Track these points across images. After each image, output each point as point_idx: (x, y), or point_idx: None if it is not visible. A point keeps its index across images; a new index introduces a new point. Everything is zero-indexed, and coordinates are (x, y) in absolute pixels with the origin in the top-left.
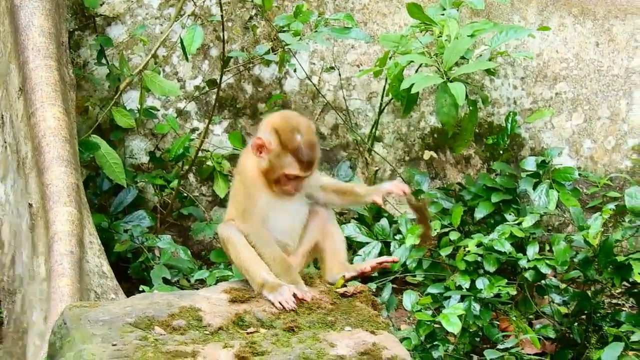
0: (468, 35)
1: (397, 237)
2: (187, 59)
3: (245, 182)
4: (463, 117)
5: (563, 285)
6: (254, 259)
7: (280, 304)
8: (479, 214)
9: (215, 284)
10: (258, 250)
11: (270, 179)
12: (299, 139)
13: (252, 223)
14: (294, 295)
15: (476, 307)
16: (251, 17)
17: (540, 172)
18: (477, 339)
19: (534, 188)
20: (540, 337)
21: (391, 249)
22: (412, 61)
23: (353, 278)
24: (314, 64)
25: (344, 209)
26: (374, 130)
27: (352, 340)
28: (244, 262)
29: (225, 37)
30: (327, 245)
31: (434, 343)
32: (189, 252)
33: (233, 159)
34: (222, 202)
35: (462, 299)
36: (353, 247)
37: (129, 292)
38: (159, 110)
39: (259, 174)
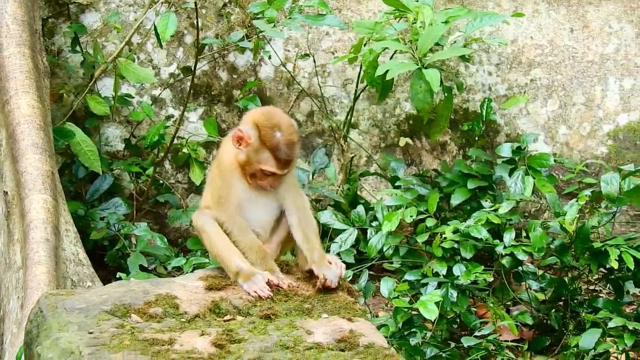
0: (442, 22)
1: (374, 223)
2: (161, 46)
3: (222, 170)
4: (438, 103)
5: (540, 272)
6: (228, 247)
7: (255, 292)
8: (455, 200)
9: (192, 271)
10: (234, 237)
11: (247, 172)
12: (278, 137)
13: (227, 210)
14: (269, 283)
15: (453, 294)
16: (225, 4)
17: (516, 158)
18: (455, 326)
19: (510, 174)
20: (518, 323)
21: (368, 235)
22: (386, 48)
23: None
24: (288, 51)
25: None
26: (349, 117)
27: (329, 327)
28: (218, 251)
29: (199, 24)
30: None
31: (412, 330)
32: (166, 240)
33: (208, 146)
34: (198, 190)
35: (439, 285)
36: (330, 234)
37: (105, 280)
38: (133, 97)
39: (236, 165)
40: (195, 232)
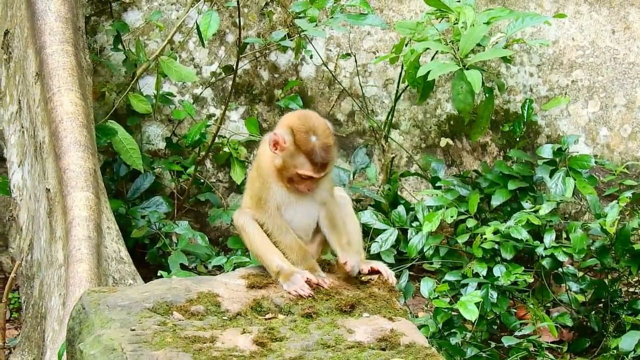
0: (484, 23)
1: (414, 224)
2: (203, 44)
3: (261, 173)
4: (479, 104)
5: (580, 273)
6: (269, 247)
7: (296, 291)
8: (496, 201)
9: (233, 270)
10: (274, 238)
11: (284, 176)
12: (313, 141)
13: (267, 212)
14: (309, 282)
15: (493, 295)
16: (267, 3)
17: (557, 159)
18: (495, 327)
19: (551, 176)
20: (558, 325)
21: (408, 236)
22: (428, 48)
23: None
24: (330, 50)
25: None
26: (390, 117)
27: (370, 326)
28: (259, 250)
29: (242, 23)
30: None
31: (452, 330)
32: (206, 239)
33: (249, 145)
34: (239, 189)
35: (480, 286)
36: (370, 234)
37: (146, 278)
38: (175, 96)
39: (274, 168)
40: (236, 231)
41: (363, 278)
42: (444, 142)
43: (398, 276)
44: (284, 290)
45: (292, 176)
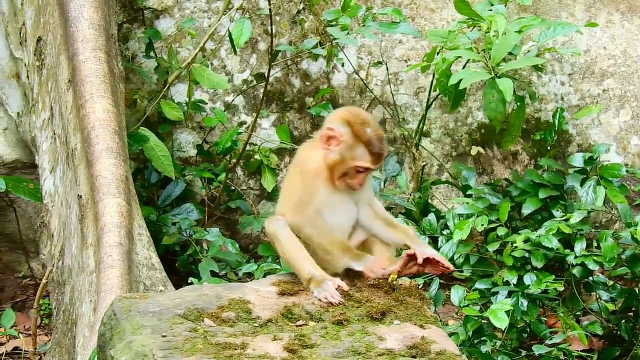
0: (516, 31)
1: (445, 232)
2: (235, 52)
3: (306, 175)
4: (510, 112)
5: (610, 282)
6: (301, 253)
7: (326, 298)
8: (526, 209)
9: (263, 277)
10: (315, 239)
11: (338, 171)
12: (370, 132)
13: (307, 214)
14: (340, 289)
15: (524, 303)
16: (299, 11)
17: (588, 168)
18: (525, 335)
19: (582, 184)
20: (588, 333)
21: (439, 244)
22: (459, 56)
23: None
24: (361, 58)
25: (379, 236)
26: (421, 125)
27: (400, 334)
28: (290, 257)
29: (273, 31)
30: (376, 241)
31: (482, 338)
32: (237, 246)
33: (281, 152)
34: (270, 196)
35: (510, 294)
36: None
37: (177, 285)
38: (207, 103)
39: (322, 168)
40: (267, 239)
41: (393, 282)
42: (474, 150)
43: (429, 284)
44: (314, 297)
45: (347, 170)
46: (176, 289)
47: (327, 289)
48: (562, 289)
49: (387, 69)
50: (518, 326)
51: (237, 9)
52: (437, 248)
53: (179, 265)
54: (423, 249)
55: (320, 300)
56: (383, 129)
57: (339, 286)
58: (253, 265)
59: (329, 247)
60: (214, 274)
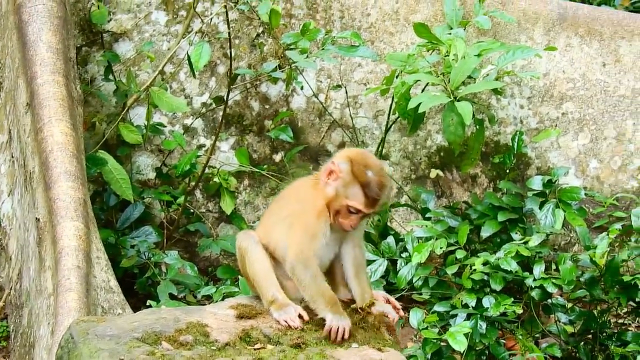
0: (475, 55)
1: (404, 255)
2: (194, 75)
3: (308, 214)
4: (470, 136)
5: (569, 305)
6: (269, 274)
7: (286, 322)
8: (485, 232)
9: (222, 300)
10: (305, 284)
11: (332, 208)
12: (370, 175)
13: (308, 258)
14: (301, 317)
15: (482, 326)
16: (258, 35)
17: (547, 191)
18: (484, 358)
19: (540, 207)
20: (547, 356)
21: (397, 266)
22: (419, 80)
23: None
24: (320, 81)
25: (345, 279)
26: (380, 148)
27: (359, 357)
28: (256, 276)
29: (233, 54)
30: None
31: None
32: (196, 268)
33: (240, 175)
34: (229, 219)
35: (469, 317)
36: None
37: (135, 308)
38: (165, 126)
39: (325, 209)
40: (236, 252)
41: (358, 308)
42: (434, 173)
43: None
44: (274, 319)
45: (340, 209)
46: (135, 312)
47: (288, 313)
48: (520, 311)
49: (347, 92)
50: (477, 349)
51: (196, 32)
52: (395, 271)
53: (138, 288)
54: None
55: (279, 322)
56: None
57: (300, 314)
58: (212, 288)
59: (316, 296)
60: (172, 296)
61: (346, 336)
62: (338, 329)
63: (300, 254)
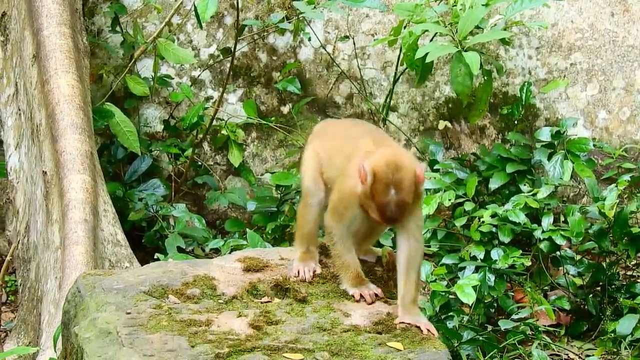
0: (483, 5)
1: None
2: (201, 27)
3: (346, 184)
4: (478, 87)
5: (578, 257)
6: (313, 228)
7: (298, 272)
8: (494, 184)
9: (230, 253)
10: (336, 250)
11: (362, 202)
12: (391, 194)
13: (340, 227)
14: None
15: (491, 278)
16: None
17: (555, 142)
18: (492, 310)
19: (549, 159)
20: (555, 308)
21: None
22: (426, 30)
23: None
24: (328, 32)
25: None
26: (388, 99)
27: (366, 310)
28: (305, 224)
29: (240, 5)
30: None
31: (449, 314)
32: (204, 221)
33: (247, 127)
34: (237, 171)
35: (477, 269)
36: None
37: (143, 261)
38: (173, 78)
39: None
40: (301, 181)
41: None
42: (442, 124)
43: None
44: (291, 266)
45: (367, 209)
46: (142, 265)
47: (307, 266)
48: (529, 263)
49: (354, 44)
50: (485, 301)
51: None
52: None
53: (146, 241)
54: (403, 317)
55: (291, 270)
56: (350, 104)
57: (315, 271)
58: (220, 241)
59: (340, 269)
60: (180, 250)
61: (373, 300)
62: (361, 296)
63: (333, 214)
